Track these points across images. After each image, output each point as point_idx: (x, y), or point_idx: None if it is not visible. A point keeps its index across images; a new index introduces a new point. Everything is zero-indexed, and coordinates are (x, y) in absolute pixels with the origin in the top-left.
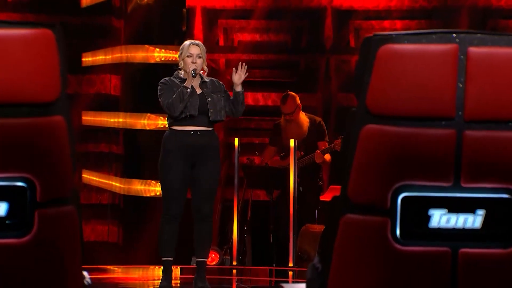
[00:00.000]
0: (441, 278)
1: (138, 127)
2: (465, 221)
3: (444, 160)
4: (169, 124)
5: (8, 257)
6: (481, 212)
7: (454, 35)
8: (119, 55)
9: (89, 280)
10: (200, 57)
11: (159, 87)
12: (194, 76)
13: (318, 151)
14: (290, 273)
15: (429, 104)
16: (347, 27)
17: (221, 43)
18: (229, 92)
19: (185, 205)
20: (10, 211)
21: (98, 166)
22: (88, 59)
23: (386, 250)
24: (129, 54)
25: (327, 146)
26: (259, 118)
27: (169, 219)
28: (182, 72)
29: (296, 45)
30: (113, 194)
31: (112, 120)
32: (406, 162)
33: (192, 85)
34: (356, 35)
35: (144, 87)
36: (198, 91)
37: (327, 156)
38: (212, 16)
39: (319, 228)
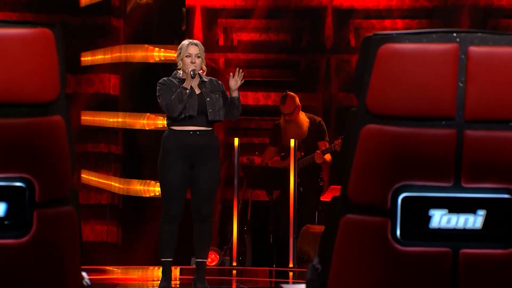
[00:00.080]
0: (441, 279)
1: (138, 127)
2: (466, 221)
3: (444, 160)
4: (168, 124)
5: (7, 258)
6: (481, 213)
7: (455, 34)
8: (118, 54)
9: (88, 281)
10: (199, 56)
11: (157, 87)
12: (193, 77)
13: (318, 151)
14: (290, 273)
15: (430, 104)
16: (347, 27)
17: (221, 42)
18: (227, 92)
19: (185, 206)
20: (9, 211)
21: (97, 166)
22: (87, 58)
23: (386, 251)
24: (128, 54)
25: (327, 146)
26: (259, 118)
27: (169, 220)
28: (181, 72)
29: (296, 44)
30: (112, 194)
31: (111, 120)
32: (406, 162)
33: (191, 86)
34: (357, 34)
35: (144, 86)
36: (197, 91)
37: (328, 156)
38: (211, 15)
39: (319, 228)
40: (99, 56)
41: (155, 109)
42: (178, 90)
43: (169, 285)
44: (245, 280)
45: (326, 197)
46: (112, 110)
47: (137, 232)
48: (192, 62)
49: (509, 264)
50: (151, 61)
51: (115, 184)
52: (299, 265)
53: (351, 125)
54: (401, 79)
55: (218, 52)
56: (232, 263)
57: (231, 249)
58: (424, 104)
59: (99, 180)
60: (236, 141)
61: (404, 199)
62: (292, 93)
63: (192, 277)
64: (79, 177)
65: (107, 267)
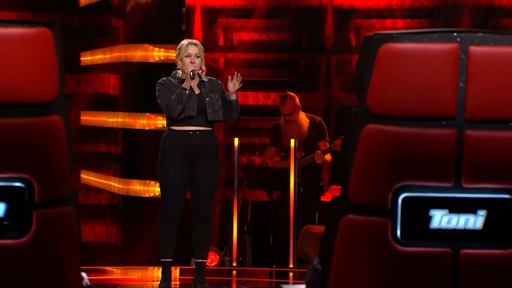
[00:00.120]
0: (442, 279)
1: (137, 127)
2: (466, 221)
3: (445, 160)
4: (168, 124)
5: (6, 258)
6: (482, 213)
7: (455, 34)
8: (118, 54)
9: (87, 281)
10: (198, 56)
11: (157, 87)
12: (192, 78)
13: (319, 152)
14: (291, 274)
15: (430, 104)
16: (348, 26)
17: (221, 42)
18: (227, 92)
19: (185, 206)
20: (8, 211)
21: (97, 166)
22: (86, 58)
23: (387, 251)
24: (128, 53)
25: (328, 146)
26: (259, 118)
27: (168, 220)
28: (180, 72)
29: (296, 44)
30: (112, 194)
31: (111, 120)
32: (407, 162)
33: (190, 86)
34: (357, 34)
35: (143, 86)
36: (197, 91)
37: (328, 157)
38: (211, 15)
39: (319, 229)
40: (99, 56)
41: (155, 109)
42: (178, 90)
43: (169, 285)
44: (245, 280)
45: (326, 197)
46: (111, 110)
47: (137, 233)
48: (191, 62)
49: (509, 264)
50: (151, 61)
51: (114, 184)
52: (299, 266)
53: (351, 125)
54: (402, 79)
55: (218, 52)
56: (232, 264)
57: (231, 249)
58: (425, 104)
59: (99, 180)
60: (236, 141)
61: (404, 199)
62: (292, 93)
63: (192, 277)
64: (79, 177)
65: (107, 268)
